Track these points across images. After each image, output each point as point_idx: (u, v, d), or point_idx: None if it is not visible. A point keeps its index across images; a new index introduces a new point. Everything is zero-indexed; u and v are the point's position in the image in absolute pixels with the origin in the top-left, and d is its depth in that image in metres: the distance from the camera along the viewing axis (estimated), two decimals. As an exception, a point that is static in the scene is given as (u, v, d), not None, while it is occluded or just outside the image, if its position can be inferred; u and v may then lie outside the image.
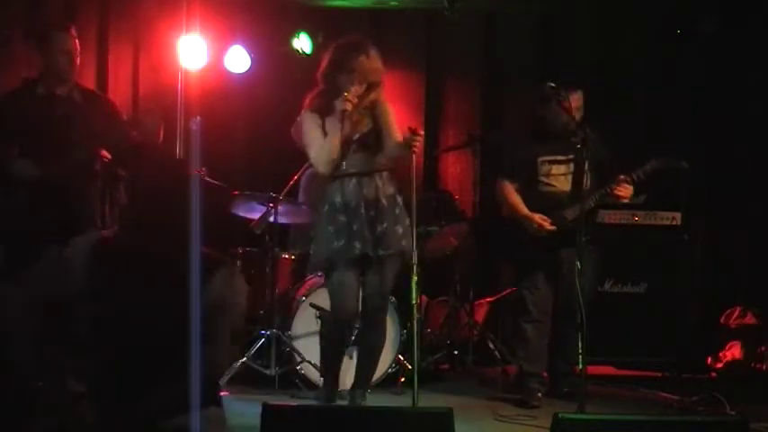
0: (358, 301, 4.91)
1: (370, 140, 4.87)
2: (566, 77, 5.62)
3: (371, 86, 4.84)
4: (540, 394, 5.61)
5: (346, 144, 4.80)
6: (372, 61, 4.83)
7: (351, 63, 4.78)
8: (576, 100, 5.58)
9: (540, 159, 5.59)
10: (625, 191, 5.54)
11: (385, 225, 4.80)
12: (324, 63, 4.91)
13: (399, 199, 4.92)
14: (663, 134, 7.30)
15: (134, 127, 5.21)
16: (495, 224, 5.97)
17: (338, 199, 4.83)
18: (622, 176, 5.52)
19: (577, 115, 5.56)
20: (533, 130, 5.72)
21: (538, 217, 5.53)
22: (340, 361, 5.08)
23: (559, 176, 5.58)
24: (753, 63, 7.09)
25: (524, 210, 5.58)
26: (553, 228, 5.51)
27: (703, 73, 7.20)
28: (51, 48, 5.12)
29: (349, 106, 4.70)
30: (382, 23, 7.51)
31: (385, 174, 4.91)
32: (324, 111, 4.88)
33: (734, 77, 7.15)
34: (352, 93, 4.73)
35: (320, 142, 4.83)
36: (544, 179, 5.61)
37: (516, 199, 5.62)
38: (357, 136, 4.85)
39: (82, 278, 2.95)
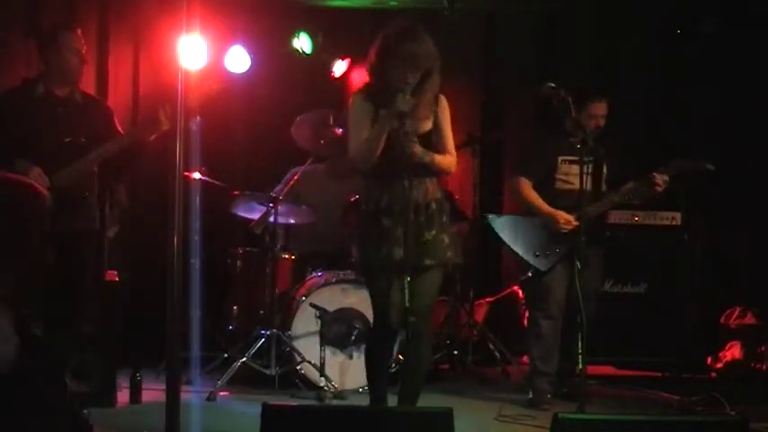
0: (401, 311, 4.41)
1: (429, 141, 4.50)
2: (566, 77, 5.62)
3: (427, 74, 4.43)
4: (549, 396, 5.60)
5: (402, 142, 4.36)
6: (423, 46, 4.41)
7: (400, 51, 4.37)
8: (600, 108, 5.63)
9: (561, 158, 5.61)
10: (663, 182, 5.56)
11: (433, 233, 4.46)
12: (371, 54, 4.51)
13: (447, 205, 4.62)
14: (662, 134, 7.31)
15: (137, 124, 5.24)
16: (513, 220, 5.95)
17: (385, 200, 4.44)
18: (662, 168, 5.58)
19: (597, 123, 5.61)
20: (551, 129, 5.69)
21: (562, 214, 5.51)
22: (386, 378, 4.70)
23: (578, 175, 5.54)
24: (753, 63, 7.09)
25: (547, 207, 5.57)
26: (576, 225, 5.47)
27: (703, 73, 7.20)
28: (60, 47, 5.10)
29: (409, 106, 4.32)
30: (382, 23, 7.49)
31: (434, 178, 4.56)
32: (378, 101, 4.44)
33: (734, 77, 7.15)
34: (410, 88, 4.36)
35: (364, 135, 4.43)
36: (562, 177, 5.62)
37: (536, 196, 5.62)
38: (420, 134, 4.46)
39: None
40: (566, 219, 5.52)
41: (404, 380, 4.71)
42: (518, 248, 5.74)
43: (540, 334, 5.62)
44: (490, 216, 6.01)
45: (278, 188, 6.45)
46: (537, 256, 5.61)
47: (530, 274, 5.67)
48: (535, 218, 5.62)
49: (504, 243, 5.82)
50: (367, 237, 4.50)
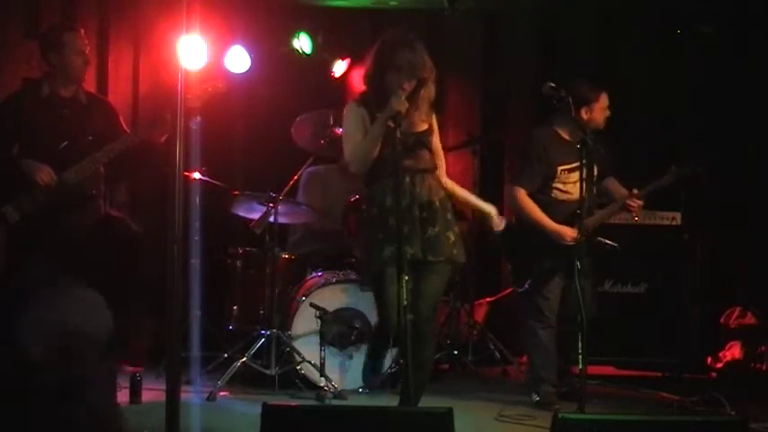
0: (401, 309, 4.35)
1: (426, 139, 4.60)
2: (566, 78, 5.62)
3: (420, 83, 4.49)
4: (556, 396, 5.59)
5: (404, 139, 4.40)
6: (419, 56, 4.50)
7: (397, 60, 4.46)
8: (603, 100, 5.64)
9: (561, 168, 5.56)
10: (637, 208, 5.65)
11: (437, 229, 4.50)
12: (368, 63, 4.59)
13: (449, 204, 4.65)
14: (662, 134, 7.31)
15: (140, 127, 5.26)
16: (511, 229, 5.93)
17: (389, 200, 4.45)
18: (636, 191, 5.63)
19: (603, 115, 5.65)
20: (548, 135, 5.66)
21: (567, 231, 5.44)
22: (381, 376, 4.77)
23: (576, 184, 5.51)
24: (753, 63, 7.09)
25: (550, 222, 5.51)
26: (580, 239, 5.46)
27: (703, 73, 7.20)
28: (64, 48, 5.13)
29: (404, 107, 4.35)
30: (382, 23, 7.51)
31: (436, 174, 4.64)
32: (373, 106, 4.51)
33: (734, 77, 7.15)
34: (405, 93, 4.42)
35: (359, 139, 4.50)
36: (560, 186, 5.58)
37: (537, 209, 5.55)
38: (415, 132, 4.55)
39: None
40: (571, 235, 5.40)
41: (406, 380, 4.69)
42: (520, 262, 5.72)
43: (540, 344, 5.61)
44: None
45: (300, 196, 6.47)
46: (542, 270, 5.58)
47: (527, 286, 5.65)
48: (531, 230, 5.57)
49: (503, 253, 5.83)
50: (373, 241, 4.49)
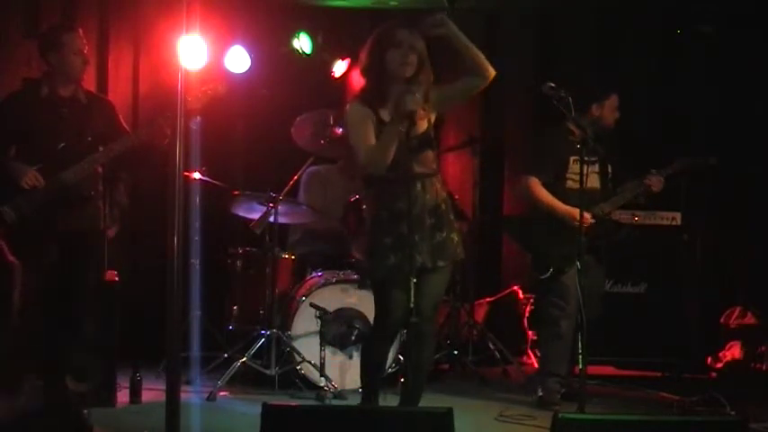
0: (406, 311, 4.27)
1: (429, 138, 4.48)
2: (566, 77, 5.62)
3: (421, 64, 4.41)
4: (559, 396, 5.59)
5: (409, 143, 4.31)
6: (416, 38, 4.42)
7: (396, 36, 4.40)
8: (614, 100, 5.72)
9: (572, 158, 5.59)
10: (658, 183, 5.71)
11: (444, 234, 4.44)
12: (364, 53, 4.48)
13: (450, 203, 4.59)
14: (662, 134, 7.32)
15: (140, 129, 5.27)
16: (527, 220, 5.94)
17: (398, 206, 4.33)
18: (654, 171, 5.70)
19: (613, 116, 5.72)
20: (559, 130, 5.68)
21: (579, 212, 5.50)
22: (380, 378, 4.72)
23: (589, 174, 5.52)
24: (753, 63, 7.09)
25: (563, 206, 5.55)
26: (593, 222, 5.49)
27: (703, 73, 7.20)
28: (63, 48, 5.12)
29: (419, 106, 4.26)
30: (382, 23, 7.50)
31: (440, 176, 4.57)
32: (375, 103, 4.41)
33: (734, 77, 7.15)
34: (412, 69, 4.37)
35: (372, 140, 4.34)
36: (573, 176, 5.60)
37: (550, 195, 5.60)
38: (418, 134, 4.42)
39: None
40: (584, 217, 5.45)
41: (406, 380, 4.69)
42: (541, 249, 5.72)
43: (560, 334, 5.56)
44: (506, 218, 5.99)
45: (301, 196, 6.47)
46: (563, 255, 5.59)
47: (549, 273, 5.63)
48: (549, 217, 5.60)
49: (523, 243, 5.86)
50: (379, 246, 4.41)
